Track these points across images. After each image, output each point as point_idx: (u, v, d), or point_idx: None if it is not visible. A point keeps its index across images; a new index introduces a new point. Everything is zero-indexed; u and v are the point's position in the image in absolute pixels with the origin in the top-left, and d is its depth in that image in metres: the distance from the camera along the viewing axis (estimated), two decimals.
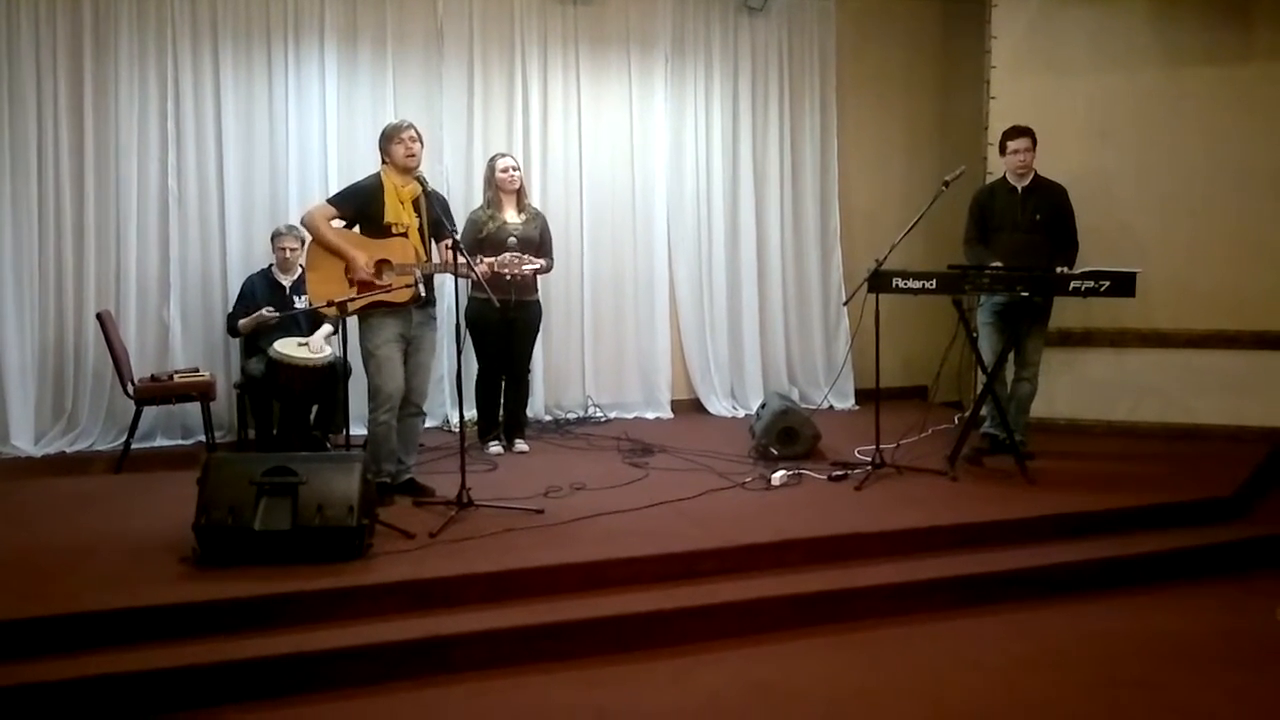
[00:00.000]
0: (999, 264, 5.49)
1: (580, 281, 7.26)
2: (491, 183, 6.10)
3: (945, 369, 5.80)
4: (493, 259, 5.17)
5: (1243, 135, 6.33)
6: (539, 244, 6.02)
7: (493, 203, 6.09)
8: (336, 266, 4.78)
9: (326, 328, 5.91)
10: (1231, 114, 6.35)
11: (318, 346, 5.77)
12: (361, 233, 4.85)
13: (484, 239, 5.85)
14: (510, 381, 6.25)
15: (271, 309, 5.91)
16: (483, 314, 5.84)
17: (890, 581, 4.16)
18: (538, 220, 6.17)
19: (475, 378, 6.18)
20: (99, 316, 5.94)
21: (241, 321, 6.00)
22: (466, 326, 5.88)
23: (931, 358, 6.14)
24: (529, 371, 6.38)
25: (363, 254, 4.75)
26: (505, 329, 6.01)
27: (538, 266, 5.29)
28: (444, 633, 3.62)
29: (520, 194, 6.15)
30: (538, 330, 6.37)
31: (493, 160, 6.16)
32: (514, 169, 6.10)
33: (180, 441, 6.44)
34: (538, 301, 6.28)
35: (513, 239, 5.89)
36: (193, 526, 3.93)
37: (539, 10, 7.08)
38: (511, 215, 6.06)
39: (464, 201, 6.26)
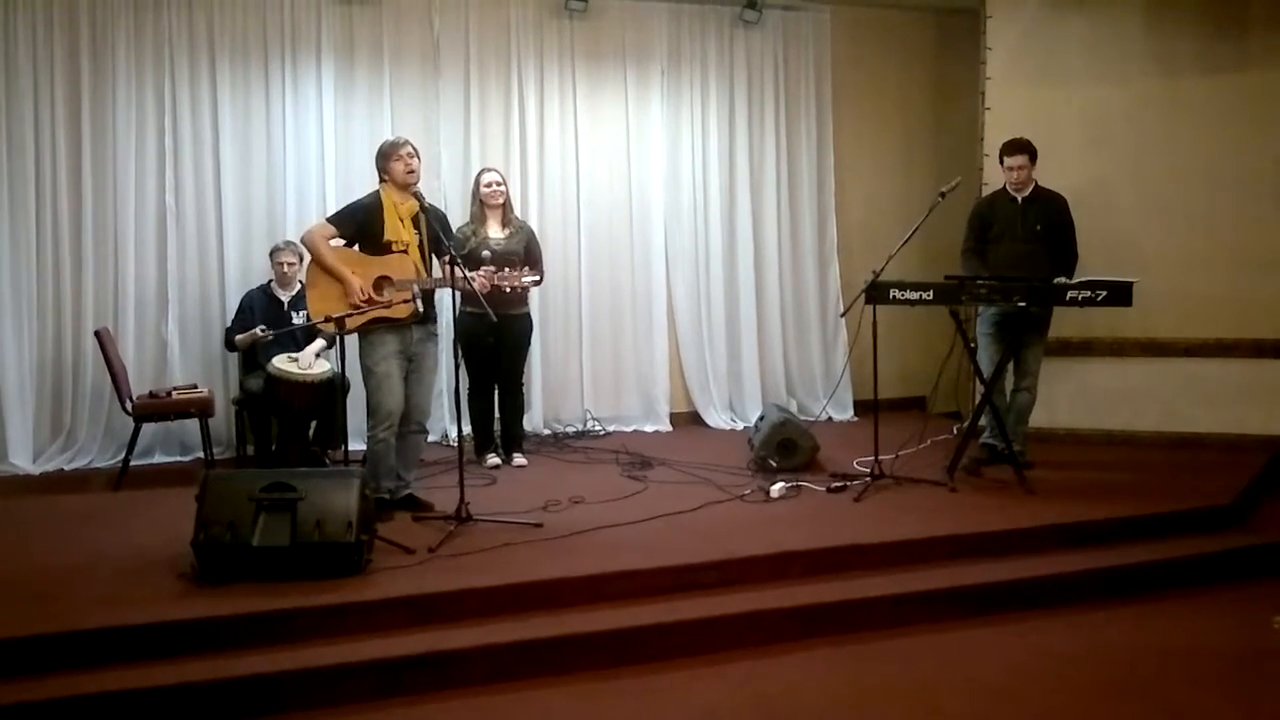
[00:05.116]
0: (987, 276, 5.50)
1: (578, 295, 7.27)
2: (476, 197, 6.12)
3: (943, 379, 5.80)
4: (484, 272, 5.11)
5: (1240, 144, 6.34)
6: (524, 257, 5.97)
7: (476, 217, 6.11)
8: (336, 284, 4.78)
9: (319, 342, 5.91)
10: (1228, 123, 6.36)
11: (307, 362, 5.78)
12: (362, 250, 4.85)
13: (465, 255, 5.82)
14: (505, 395, 6.25)
15: (265, 328, 5.91)
16: (473, 328, 5.83)
17: (890, 593, 4.15)
18: (522, 233, 6.17)
19: (467, 393, 6.16)
20: (97, 333, 5.94)
21: (238, 338, 6.00)
22: (458, 341, 5.88)
23: (930, 368, 6.14)
24: (522, 385, 6.38)
25: (358, 278, 4.75)
26: (496, 343, 6.00)
27: (536, 278, 5.26)
28: (443, 648, 3.61)
29: (505, 208, 6.15)
30: (529, 343, 6.38)
31: (478, 175, 6.19)
32: (498, 184, 6.11)
33: (179, 458, 6.44)
34: (528, 314, 6.29)
35: (487, 253, 5.87)
36: (191, 543, 3.93)
37: (535, 25, 7.11)
38: (495, 230, 6.07)
39: (462, 217, 6.28)
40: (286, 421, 5.90)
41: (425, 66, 6.92)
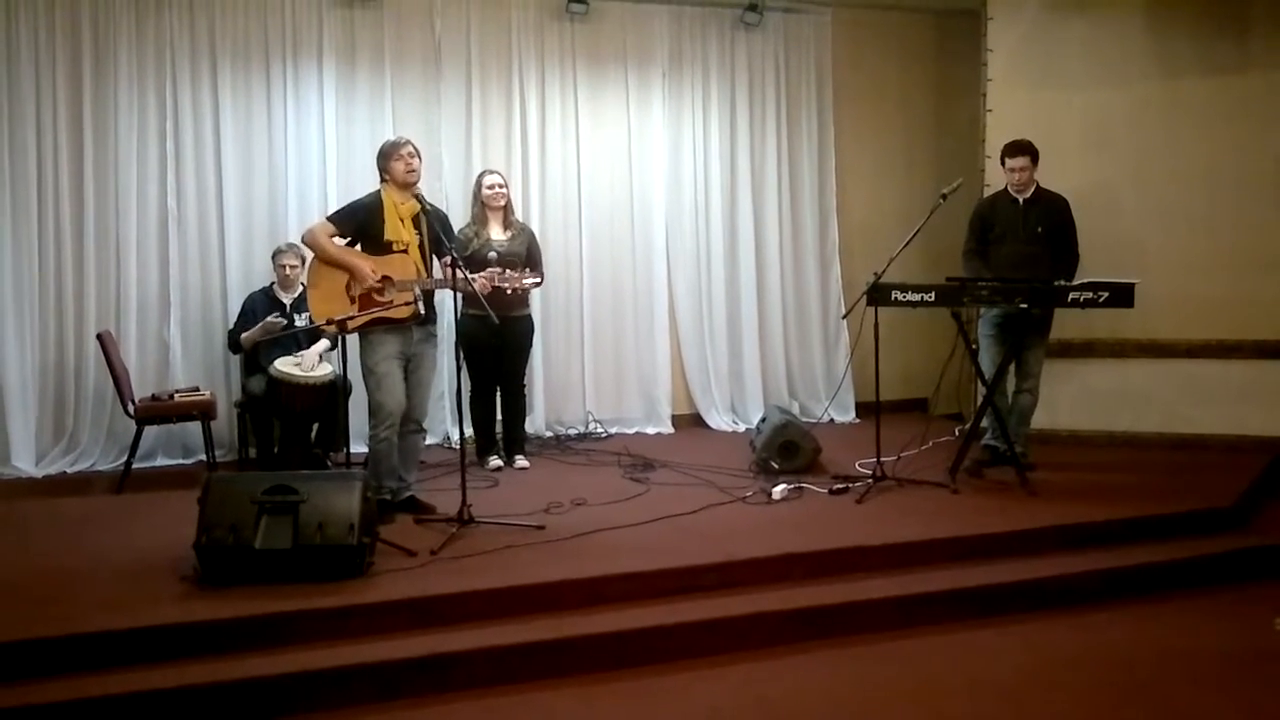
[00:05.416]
0: (989, 277, 5.50)
1: (580, 297, 7.26)
2: (478, 199, 6.13)
3: (945, 381, 5.80)
4: (486, 274, 5.12)
5: (1240, 145, 6.34)
6: (526, 259, 5.99)
7: (478, 219, 6.11)
8: (338, 284, 4.80)
9: (323, 343, 5.92)
10: (1229, 124, 6.36)
11: (311, 364, 5.78)
12: (362, 250, 4.86)
13: (469, 256, 5.84)
14: (506, 397, 6.26)
15: (278, 315, 5.93)
16: (475, 331, 5.84)
17: (892, 594, 4.15)
18: (524, 235, 6.18)
19: (468, 395, 6.15)
20: (99, 337, 5.95)
21: (244, 335, 6.00)
22: (460, 344, 5.88)
23: (931, 370, 6.14)
24: (524, 387, 6.38)
25: (368, 263, 4.77)
26: (497, 345, 6.00)
27: (537, 280, 5.26)
28: (446, 650, 3.62)
29: (507, 210, 6.16)
30: (530, 345, 6.38)
31: (480, 177, 6.20)
32: (499, 185, 6.11)
33: (181, 461, 6.44)
34: (529, 316, 6.30)
35: (493, 254, 5.88)
36: (194, 546, 3.93)
37: (536, 27, 7.12)
38: (497, 232, 6.07)
39: (464, 219, 6.28)
40: (288, 424, 5.90)
41: (427, 69, 6.93)
